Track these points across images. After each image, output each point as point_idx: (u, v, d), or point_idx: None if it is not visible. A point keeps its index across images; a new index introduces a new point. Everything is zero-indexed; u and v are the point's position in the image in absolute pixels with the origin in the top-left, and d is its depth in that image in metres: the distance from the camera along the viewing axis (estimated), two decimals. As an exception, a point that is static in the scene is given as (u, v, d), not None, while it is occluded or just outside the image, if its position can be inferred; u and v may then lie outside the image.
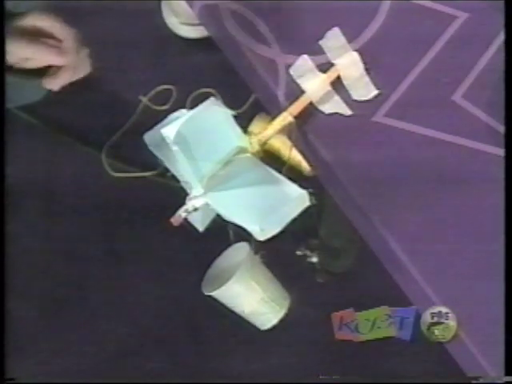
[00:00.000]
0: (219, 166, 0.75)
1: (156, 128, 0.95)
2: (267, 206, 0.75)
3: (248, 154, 0.78)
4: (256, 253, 1.00)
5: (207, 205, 0.76)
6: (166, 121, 0.85)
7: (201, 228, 0.84)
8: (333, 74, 0.88)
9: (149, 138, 0.94)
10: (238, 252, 0.99)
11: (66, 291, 1.12)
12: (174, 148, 0.73)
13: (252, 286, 0.96)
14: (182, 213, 0.76)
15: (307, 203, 0.76)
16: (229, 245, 0.95)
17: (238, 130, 0.75)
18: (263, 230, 0.74)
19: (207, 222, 0.79)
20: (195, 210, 0.76)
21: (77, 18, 1.03)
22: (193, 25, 1.26)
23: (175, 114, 0.85)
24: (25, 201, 1.10)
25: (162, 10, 1.29)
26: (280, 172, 0.80)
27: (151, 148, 0.94)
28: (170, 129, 0.74)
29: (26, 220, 1.10)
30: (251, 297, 0.97)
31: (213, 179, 0.76)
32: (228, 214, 0.75)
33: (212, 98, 0.77)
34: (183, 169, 0.75)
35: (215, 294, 0.97)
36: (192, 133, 0.74)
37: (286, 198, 0.76)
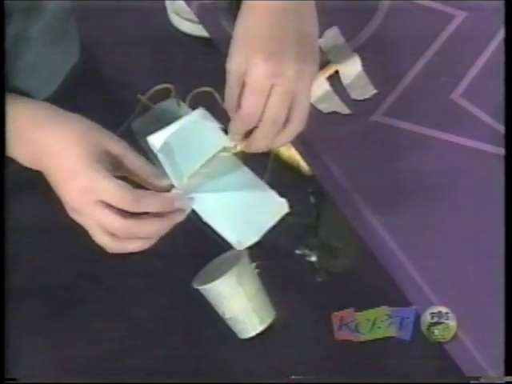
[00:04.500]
0: (199, 165, 0.76)
1: (144, 116, 0.95)
2: (245, 216, 0.76)
3: (229, 154, 0.78)
4: (253, 261, 1.00)
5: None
6: (155, 110, 0.86)
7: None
8: (328, 71, 0.88)
9: (136, 126, 0.95)
10: (237, 256, 0.99)
11: (66, 291, 1.12)
12: (159, 155, 0.74)
13: (238, 291, 0.96)
14: None
15: (286, 210, 0.77)
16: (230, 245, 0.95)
17: (225, 137, 0.76)
18: (240, 242, 0.74)
19: (187, 211, 0.79)
20: None
21: (77, 18, 1.03)
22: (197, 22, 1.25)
23: (164, 102, 0.86)
24: (24, 200, 1.10)
25: (167, 6, 1.29)
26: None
27: (137, 136, 0.94)
28: (156, 137, 0.74)
29: (26, 219, 1.10)
30: (235, 302, 0.97)
31: (193, 178, 0.76)
32: (206, 217, 0.76)
33: (201, 109, 0.78)
34: (164, 171, 0.76)
35: (201, 288, 0.98)
36: (178, 143, 0.75)
37: (264, 207, 0.76)
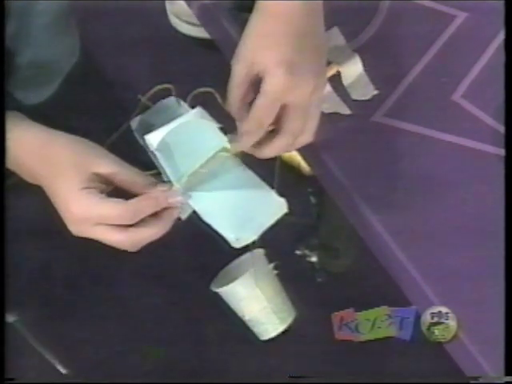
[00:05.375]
0: (199, 164, 0.76)
1: (143, 114, 0.95)
2: (244, 214, 0.76)
3: (229, 154, 0.78)
4: (270, 262, 1.00)
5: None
6: (154, 108, 0.86)
7: (183, 216, 0.85)
8: (329, 71, 0.88)
9: (134, 124, 0.95)
10: (254, 258, 0.99)
11: (66, 291, 1.12)
12: (157, 153, 0.74)
13: (256, 293, 0.96)
14: None
15: (285, 210, 0.77)
16: (228, 244, 0.96)
17: (224, 138, 0.76)
18: (238, 239, 0.74)
19: (189, 211, 0.79)
20: None
21: (77, 18, 1.03)
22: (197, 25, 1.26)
23: (164, 101, 0.86)
24: (24, 200, 1.10)
25: (166, 8, 1.29)
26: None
27: (136, 134, 0.94)
28: (153, 136, 0.75)
29: (26, 219, 1.10)
30: (253, 304, 0.97)
31: (193, 177, 0.76)
32: (204, 215, 0.76)
33: (199, 108, 0.78)
34: (163, 170, 0.76)
35: (219, 291, 0.97)
36: (176, 142, 0.75)
37: (263, 206, 0.76)
